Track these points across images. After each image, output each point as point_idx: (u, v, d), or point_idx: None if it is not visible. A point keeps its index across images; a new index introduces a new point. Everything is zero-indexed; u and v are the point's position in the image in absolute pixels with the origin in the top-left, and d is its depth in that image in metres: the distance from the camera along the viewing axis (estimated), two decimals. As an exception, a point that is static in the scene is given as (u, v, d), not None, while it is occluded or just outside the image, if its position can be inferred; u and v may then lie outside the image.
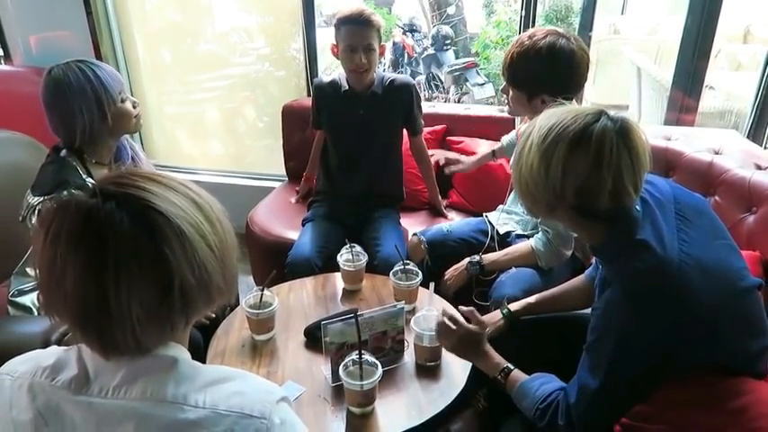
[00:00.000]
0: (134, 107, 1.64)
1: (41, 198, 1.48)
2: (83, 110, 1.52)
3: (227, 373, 0.76)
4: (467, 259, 1.86)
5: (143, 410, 0.70)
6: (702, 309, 1.02)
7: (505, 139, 2.21)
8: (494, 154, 2.23)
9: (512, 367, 1.28)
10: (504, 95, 1.77)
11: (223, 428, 0.69)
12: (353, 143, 2.23)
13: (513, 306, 1.56)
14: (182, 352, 0.76)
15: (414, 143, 2.35)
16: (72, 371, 0.74)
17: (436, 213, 2.49)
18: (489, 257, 1.84)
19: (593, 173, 1.00)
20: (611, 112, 1.04)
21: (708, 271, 1.04)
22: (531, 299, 1.57)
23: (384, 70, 2.54)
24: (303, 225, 2.23)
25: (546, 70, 1.61)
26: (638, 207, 1.09)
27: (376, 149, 2.23)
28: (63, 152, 1.58)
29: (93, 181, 1.57)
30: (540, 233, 1.78)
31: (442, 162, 2.32)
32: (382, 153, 2.26)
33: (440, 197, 2.48)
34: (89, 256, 0.66)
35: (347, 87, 2.17)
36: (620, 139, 1.00)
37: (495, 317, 1.56)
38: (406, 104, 2.21)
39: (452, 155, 2.36)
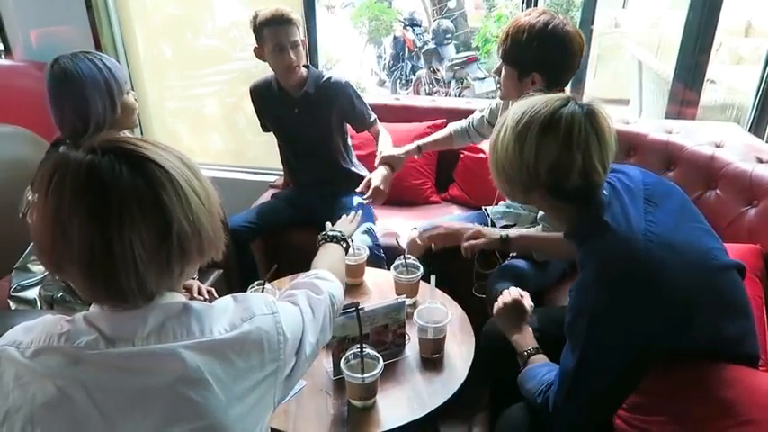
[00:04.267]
0: (135, 101, 1.63)
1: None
2: (96, 99, 1.50)
3: (228, 299, 0.85)
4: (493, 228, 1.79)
5: (179, 348, 0.74)
6: (673, 287, 1.04)
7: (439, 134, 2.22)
8: (419, 149, 2.18)
9: (539, 350, 1.32)
10: (497, 77, 1.79)
11: (251, 327, 0.80)
12: (296, 141, 2.27)
13: (512, 232, 1.68)
14: (184, 299, 0.81)
15: (370, 134, 2.35)
16: (90, 335, 0.74)
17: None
18: (518, 232, 1.76)
19: (563, 152, 1.06)
20: (579, 99, 1.10)
21: (676, 250, 1.06)
22: (526, 231, 1.72)
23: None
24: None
25: (538, 47, 1.63)
26: (605, 192, 1.14)
27: (319, 144, 2.26)
28: (62, 148, 1.56)
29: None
30: (541, 228, 1.77)
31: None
32: (327, 147, 2.27)
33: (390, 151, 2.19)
34: (93, 203, 0.70)
35: (280, 89, 2.19)
36: (588, 121, 1.06)
37: (493, 233, 1.67)
38: (342, 108, 2.21)
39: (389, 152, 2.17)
